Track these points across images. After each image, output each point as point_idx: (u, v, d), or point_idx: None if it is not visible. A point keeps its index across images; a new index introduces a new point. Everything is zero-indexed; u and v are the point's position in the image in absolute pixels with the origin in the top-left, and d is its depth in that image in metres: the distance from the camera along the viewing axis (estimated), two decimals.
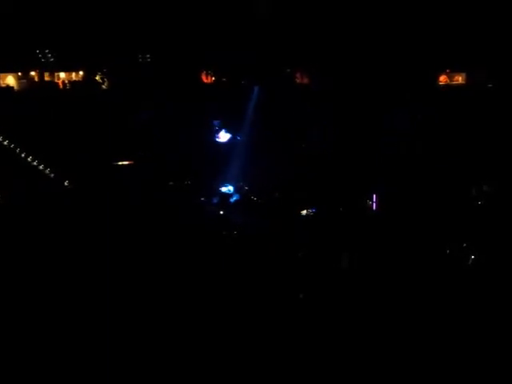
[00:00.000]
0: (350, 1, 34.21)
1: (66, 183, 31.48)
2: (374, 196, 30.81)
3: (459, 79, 37.26)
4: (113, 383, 16.23)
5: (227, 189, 33.10)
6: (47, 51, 35.24)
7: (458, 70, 36.93)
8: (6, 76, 36.12)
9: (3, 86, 36.06)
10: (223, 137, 35.91)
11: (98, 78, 36.98)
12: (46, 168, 32.03)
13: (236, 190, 33.11)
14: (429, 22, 33.65)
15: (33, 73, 36.55)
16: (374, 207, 30.83)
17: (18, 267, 21.64)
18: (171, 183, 32.96)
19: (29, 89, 36.25)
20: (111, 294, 20.11)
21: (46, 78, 36.79)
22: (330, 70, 34.73)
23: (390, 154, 31.93)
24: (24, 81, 36.40)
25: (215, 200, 32.44)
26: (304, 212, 30.46)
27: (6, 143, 32.64)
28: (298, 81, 37.37)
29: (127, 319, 18.77)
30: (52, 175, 31.93)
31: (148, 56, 36.31)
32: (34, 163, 32.17)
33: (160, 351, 17.36)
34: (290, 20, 34.19)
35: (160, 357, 17.13)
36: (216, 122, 35.76)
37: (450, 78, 37.21)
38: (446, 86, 36.97)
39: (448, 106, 33.40)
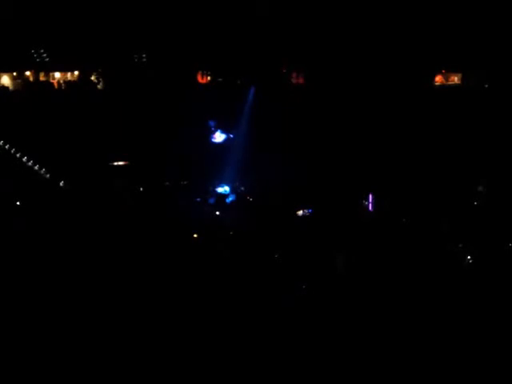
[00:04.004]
0: (345, 1, 34.17)
1: (61, 184, 31.40)
2: (370, 196, 30.84)
3: (455, 79, 37.29)
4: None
5: (223, 189, 33.09)
6: (42, 51, 35.09)
7: (454, 71, 36.96)
8: (1, 76, 36.02)
9: None
10: (219, 137, 35.88)
11: (93, 78, 36.89)
12: (41, 168, 31.93)
13: (232, 191, 33.11)
14: (424, 21, 33.65)
15: (28, 73, 36.42)
16: (370, 207, 30.85)
17: (15, 268, 21.59)
18: (167, 183, 32.93)
19: (24, 89, 36.13)
20: (108, 294, 20.16)
21: (41, 78, 36.66)
22: (326, 70, 34.75)
23: (386, 153, 31.95)
24: (19, 81, 36.25)
25: (211, 200, 32.42)
26: (300, 212, 30.45)
27: (1, 143, 32.50)
28: (293, 81, 37.36)
29: (125, 319, 18.77)
30: (47, 176, 31.83)
31: (144, 56, 36.19)
32: (30, 163, 32.05)
33: (158, 350, 17.37)
34: (287, 20, 34.15)
35: (158, 356, 17.12)
36: (212, 123, 35.72)
37: (446, 78, 37.24)
38: (442, 86, 37.00)
39: (444, 106, 33.46)
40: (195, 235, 26.76)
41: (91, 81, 36.89)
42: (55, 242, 23.91)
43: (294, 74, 37.27)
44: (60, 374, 16.24)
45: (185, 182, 33.09)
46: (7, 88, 36.06)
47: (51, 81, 37.00)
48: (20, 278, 20.94)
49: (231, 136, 35.67)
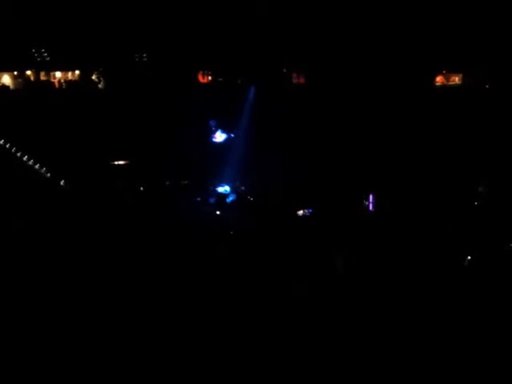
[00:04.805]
0: (346, 1, 34.19)
1: (61, 183, 31.41)
2: (371, 196, 30.82)
3: (455, 80, 37.29)
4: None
5: (224, 189, 33.09)
6: (43, 50, 35.13)
7: (455, 71, 36.96)
8: (2, 75, 36.11)
9: None
10: (219, 137, 35.90)
11: (94, 77, 36.93)
12: (41, 168, 31.94)
13: (233, 190, 33.11)
14: (425, 22, 33.66)
15: (29, 72, 36.48)
16: (371, 207, 30.84)
17: (15, 268, 21.59)
18: (167, 183, 32.95)
19: (24, 88, 36.19)
20: (108, 293, 20.17)
21: (42, 77, 36.73)
22: (326, 70, 34.77)
23: (387, 154, 31.95)
24: (20, 80, 36.34)
25: (212, 200, 32.42)
26: (300, 212, 30.43)
27: (1, 142, 32.53)
28: (294, 81, 37.40)
29: (125, 319, 18.79)
30: (48, 175, 31.85)
31: (144, 55, 36.25)
32: (30, 162, 32.07)
33: (158, 349, 17.39)
34: (287, 20, 34.17)
35: (158, 355, 17.13)
36: (212, 123, 35.74)
37: (447, 78, 37.24)
38: (443, 86, 37.00)
39: (444, 106, 33.46)
40: (195, 235, 26.74)
41: (92, 80, 36.95)
42: (55, 241, 23.91)
43: (295, 74, 37.34)
44: (60, 374, 16.25)
45: (185, 182, 33.10)
46: (8, 87, 36.17)
47: (52, 80, 37.09)
48: (20, 278, 20.94)
49: (232, 136, 35.70)
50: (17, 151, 32.22)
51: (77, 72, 37.18)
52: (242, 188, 33.23)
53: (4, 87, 35.94)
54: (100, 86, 36.88)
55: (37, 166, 31.94)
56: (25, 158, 32.07)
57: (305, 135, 33.44)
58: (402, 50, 33.96)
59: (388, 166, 31.45)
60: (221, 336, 18.23)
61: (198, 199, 32.12)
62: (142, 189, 32.02)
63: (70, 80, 37.24)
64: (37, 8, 33.33)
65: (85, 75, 36.88)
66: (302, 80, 37.34)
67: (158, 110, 34.11)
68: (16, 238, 23.61)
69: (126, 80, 35.61)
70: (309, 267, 23.16)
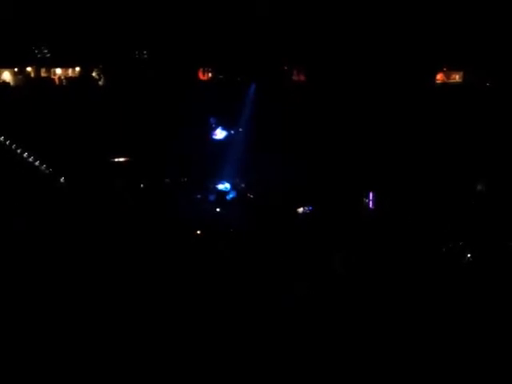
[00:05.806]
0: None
1: (61, 180, 31.44)
2: (371, 194, 30.84)
3: (456, 77, 37.20)
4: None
5: (224, 186, 33.10)
6: (44, 47, 35.14)
7: (456, 69, 36.89)
8: (3, 72, 36.10)
9: None
10: (219, 134, 35.90)
11: (94, 74, 36.92)
12: (41, 165, 31.96)
13: (233, 187, 33.12)
14: (426, 19, 33.61)
15: (29, 69, 36.47)
16: (371, 205, 30.86)
17: (15, 268, 21.61)
18: (167, 180, 32.96)
19: (25, 85, 36.19)
20: (108, 293, 20.21)
21: (43, 74, 36.75)
22: (327, 68, 34.74)
23: (387, 152, 31.95)
24: (20, 77, 36.36)
25: (212, 197, 32.44)
26: (300, 210, 30.45)
27: (1, 139, 32.55)
28: (294, 78, 37.36)
29: (125, 318, 18.82)
30: (48, 172, 31.87)
31: (145, 52, 36.25)
32: (30, 159, 32.08)
33: (158, 349, 17.41)
34: (288, 19, 34.13)
35: (157, 355, 17.16)
36: (212, 120, 35.73)
37: (447, 76, 37.17)
38: (443, 84, 36.93)
39: (445, 104, 33.44)
40: (197, 232, 26.76)
41: (92, 77, 36.95)
42: (55, 241, 23.92)
43: (295, 72, 37.28)
44: (60, 374, 16.28)
45: (185, 179, 33.11)
46: (8, 84, 36.16)
47: (52, 77, 37.09)
48: (20, 278, 20.96)
49: (232, 133, 35.70)
50: (17, 148, 32.24)
51: (77, 69, 37.18)
52: (242, 185, 33.23)
53: (4, 84, 35.90)
54: (100, 82, 36.85)
55: (37, 163, 31.96)
56: (25, 154, 32.09)
57: (305, 133, 33.41)
58: (403, 47, 33.88)
59: (388, 164, 31.45)
60: (221, 336, 18.26)
61: (198, 197, 32.12)
62: (141, 186, 32.02)
63: (71, 77, 37.24)
64: (38, 4, 33.31)
65: (85, 72, 36.88)
66: (302, 78, 37.28)
67: (158, 107, 34.08)
68: (16, 238, 23.64)
69: (126, 77, 35.59)
70: (309, 267, 23.20)
